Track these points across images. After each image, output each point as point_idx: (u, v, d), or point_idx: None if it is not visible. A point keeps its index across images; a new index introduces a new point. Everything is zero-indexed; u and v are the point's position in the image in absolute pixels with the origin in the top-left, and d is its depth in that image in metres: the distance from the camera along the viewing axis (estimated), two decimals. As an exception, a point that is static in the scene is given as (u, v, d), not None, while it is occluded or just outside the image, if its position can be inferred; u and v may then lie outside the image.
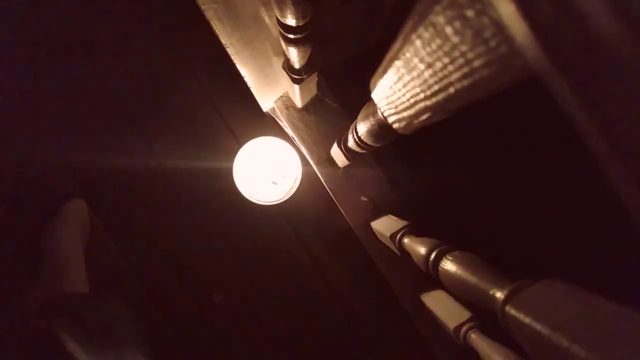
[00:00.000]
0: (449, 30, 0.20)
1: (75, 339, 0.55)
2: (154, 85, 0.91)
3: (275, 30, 0.55)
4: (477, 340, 0.55)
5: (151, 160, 0.90)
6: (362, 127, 0.49)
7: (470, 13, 0.18)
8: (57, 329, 0.54)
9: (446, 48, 0.22)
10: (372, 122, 0.44)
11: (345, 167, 0.81)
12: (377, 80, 0.35)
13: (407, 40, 0.26)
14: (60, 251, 0.76)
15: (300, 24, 0.44)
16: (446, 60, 0.22)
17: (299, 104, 0.80)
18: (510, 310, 0.32)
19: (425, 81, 0.26)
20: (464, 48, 0.20)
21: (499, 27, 0.17)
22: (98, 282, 0.80)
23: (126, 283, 0.88)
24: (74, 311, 0.59)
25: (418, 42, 0.24)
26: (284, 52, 0.56)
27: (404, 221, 0.70)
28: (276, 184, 0.82)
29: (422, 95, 0.28)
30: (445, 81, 0.24)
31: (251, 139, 0.81)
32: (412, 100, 0.30)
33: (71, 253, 0.77)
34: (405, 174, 0.88)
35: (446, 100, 0.25)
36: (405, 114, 0.33)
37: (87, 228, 0.86)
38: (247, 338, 0.91)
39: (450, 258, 0.48)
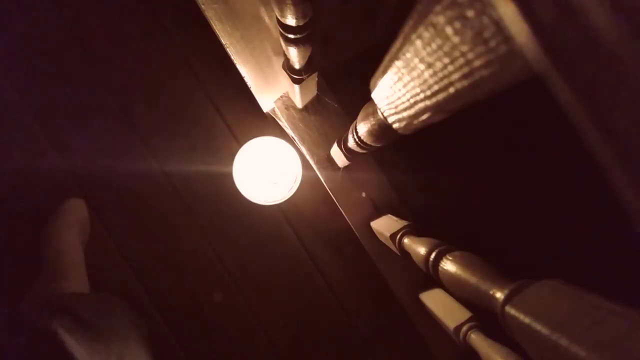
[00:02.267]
0: (449, 30, 0.20)
1: (75, 339, 0.55)
2: (154, 85, 0.91)
3: (275, 30, 0.55)
4: (477, 340, 0.55)
5: (151, 160, 0.90)
6: (362, 127, 0.49)
7: (470, 13, 0.18)
8: (57, 329, 0.54)
9: (446, 48, 0.22)
10: (372, 122, 0.44)
11: (345, 167, 0.81)
12: (377, 80, 0.35)
13: (407, 40, 0.26)
14: (60, 251, 0.75)
15: (300, 24, 0.44)
16: (446, 60, 0.22)
17: (299, 104, 0.80)
18: (510, 310, 0.32)
19: (425, 81, 0.26)
20: (464, 48, 0.20)
21: (499, 27, 0.17)
22: (98, 282, 0.80)
23: (126, 283, 0.88)
24: (74, 311, 0.59)
25: (418, 42, 0.24)
26: (284, 52, 0.56)
27: (404, 221, 0.70)
28: (276, 184, 0.82)
29: (422, 95, 0.28)
30: (445, 81, 0.24)
31: (251, 139, 0.81)
32: (412, 100, 0.30)
33: (71, 252, 0.77)
34: (406, 174, 0.88)
35: (446, 100, 0.25)
36: (405, 114, 0.33)
37: (87, 227, 0.86)
38: (247, 338, 0.91)
39: (450, 258, 0.48)
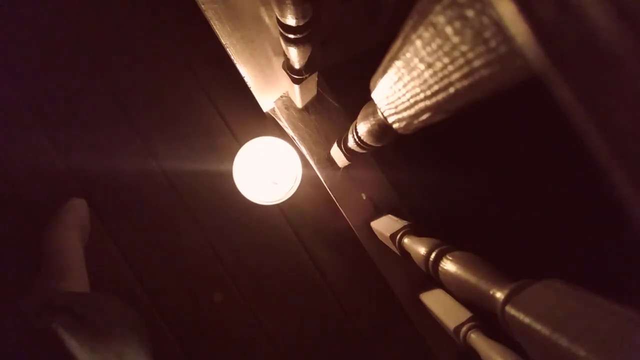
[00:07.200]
0: (449, 30, 0.20)
1: (76, 338, 0.55)
2: (153, 85, 0.91)
3: (275, 30, 0.55)
4: (477, 340, 0.55)
5: (151, 160, 0.90)
6: (362, 127, 0.49)
7: (470, 13, 0.18)
8: (57, 328, 0.54)
9: (446, 48, 0.22)
10: (372, 122, 0.44)
11: (345, 167, 0.81)
12: (377, 80, 0.35)
13: (407, 40, 0.26)
14: (60, 251, 0.75)
15: (300, 24, 0.44)
16: (446, 60, 0.22)
17: (299, 104, 0.80)
18: (510, 310, 0.32)
19: (425, 81, 0.26)
20: (464, 48, 0.20)
21: (499, 27, 0.17)
22: (98, 282, 0.80)
23: (126, 283, 0.88)
24: (74, 310, 0.59)
25: (418, 42, 0.24)
26: (284, 52, 0.56)
27: (404, 221, 0.70)
28: (276, 183, 0.82)
29: (422, 95, 0.28)
30: (445, 81, 0.24)
31: (251, 139, 0.81)
32: (412, 100, 0.30)
33: (71, 252, 0.77)
34: (406, 174, 0.88)
35: (446, 100, 0.25)
36: (405, 114, 0.33)
37: (88, 226, 0.85)
38: (247, 338, 0.91)
39: (450, 258, 0.48)
